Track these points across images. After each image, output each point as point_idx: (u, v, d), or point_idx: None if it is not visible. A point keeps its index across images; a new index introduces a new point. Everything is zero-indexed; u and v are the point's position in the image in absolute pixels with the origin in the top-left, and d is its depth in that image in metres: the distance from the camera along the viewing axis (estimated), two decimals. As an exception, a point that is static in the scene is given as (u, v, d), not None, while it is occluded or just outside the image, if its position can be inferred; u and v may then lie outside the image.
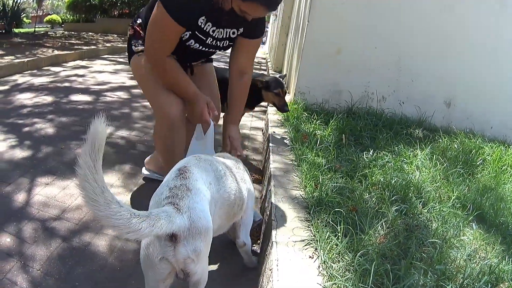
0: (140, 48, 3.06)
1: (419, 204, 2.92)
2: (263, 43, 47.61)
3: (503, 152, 4.41)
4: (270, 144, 3.92)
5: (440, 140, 4.43)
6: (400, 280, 1.98)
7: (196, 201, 1.78)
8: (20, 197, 3.27)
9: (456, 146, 4.26)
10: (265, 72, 10.10)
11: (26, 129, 4.69)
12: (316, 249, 2.25)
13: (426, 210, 2.85)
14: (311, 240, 2.33)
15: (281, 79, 4.08)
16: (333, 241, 2.28)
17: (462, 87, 5.54)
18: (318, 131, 4.33)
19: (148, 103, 6.11)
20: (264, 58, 16.97)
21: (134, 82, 7.68)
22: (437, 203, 2.96)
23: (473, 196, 3.15)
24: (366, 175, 3.24)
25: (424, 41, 5.38)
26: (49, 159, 3.99)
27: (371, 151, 3.80)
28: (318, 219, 2.52)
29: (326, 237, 2.30)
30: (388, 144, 4.10)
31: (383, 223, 2.52)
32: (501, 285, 2.11)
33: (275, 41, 11.67)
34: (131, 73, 8.94)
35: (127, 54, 3.26)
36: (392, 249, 2.28)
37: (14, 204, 3.18)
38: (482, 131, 5.28)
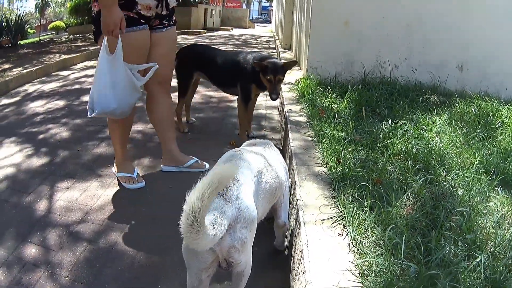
0: None
1: (443, 171, 2.88)
2: (269, 22, 47.42)
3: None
4: (288, 122, 3.89)
5: (457, 105, 4.36)
6: (432, 252, 1.96)
7: (243, 191, 1.80)
8: (42, 205, 3.27)
9: (473, 110, 4.19)
10: (274, 50, 10.04)
11: (41, 136, 4.69)
12: (344, 225, 2.23)
13: (450, 177, 2.80)
14: (338, 217, 2.31)
15: (280, 65, 3.92)
16: (361, 216, 2.26)
17: (474, 50, 5.44)
18: (335, 104, 4.29)
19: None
20: (272, 37, 16.90)
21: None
22: (460, 169, 2.91)
23: (495, 160, 3.10)
24: (387, 146, 3.20)
25: (432, 6, 5.28)
26: (67, 163, 4.00)
27: (390, 120, 3.76)
28: (343, 195, 2.50)
29: (353, 213, 2.28)
30: (405, 112, 4.05)
31: (409, 194, 2.49)
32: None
33: (281, 19, 11.56)
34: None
35: (93, 33, 3.21)
36: (420, 219, 2.25)
37: (37, 213, 3.18)
38: (497, 93, 5.16)
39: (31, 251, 2.73)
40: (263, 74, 3.87)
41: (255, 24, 36.28)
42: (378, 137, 3.40)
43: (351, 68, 5.37)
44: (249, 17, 36.52)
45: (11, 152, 4.24)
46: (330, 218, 2.31)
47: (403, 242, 1.96)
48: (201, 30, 19.64)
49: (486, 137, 3.59)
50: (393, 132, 3.51)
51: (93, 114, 2.98)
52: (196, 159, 3.78)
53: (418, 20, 5.33)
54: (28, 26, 17.34)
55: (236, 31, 22.70)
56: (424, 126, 3.66)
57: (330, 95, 4.57)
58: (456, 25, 5.31)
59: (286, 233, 2.71)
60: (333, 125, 3.61)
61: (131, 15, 3.02)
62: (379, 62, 5.37)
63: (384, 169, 2.81)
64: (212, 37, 16.23)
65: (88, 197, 3.38)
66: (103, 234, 2.92)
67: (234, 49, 4.97)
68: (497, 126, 3.89)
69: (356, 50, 5.38)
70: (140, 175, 3.61)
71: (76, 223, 3.04)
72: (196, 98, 5.76)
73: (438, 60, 5.41)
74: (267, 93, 4.00)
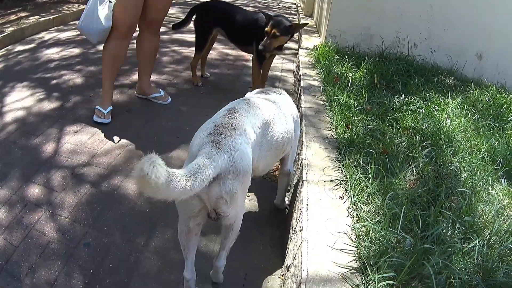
0: None
1: (449, 152, 2.85)
2: None
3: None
4: (301, 85, 3.84)
5: (472, 92, 4.30)
6: (429, 227, 1.95)
7: (239, 141, 1.73)
8: (49, 147, 3.31)
9: (487, 99, 4.14)
10: (295, 17, 9.94)
11: (54, 81, 4.61)
12: (346, 189, 2.23)
13: (456, 160, 2.78)
14: (341, 180, 2.30)
15: (284, 24, 3.84)
16: (364, 182, 2.25)
17: (495, 41, 5.33)
18: (350, 73, 4.22)
19: (177, 48, 6.13)
20: (294, 3, 16.71)
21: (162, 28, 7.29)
22: (467, 154, 2.88)
23: (503, 151, 3.06)
24: (397, 119, 3.18)
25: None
26: (78, 108, 4.00)
27: (403, 95, 3.71)
28: (349, 160, 2.48)
29: (356, 178, 2.27)
30: (419, 90, 3.99)
31: (413, 168, 2.47)
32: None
33: None
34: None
35: None
36: (422, 195, 2.24)
37: (43, 154, 3.21)
38: (514, 86, 5.14)
39: (34, 191, 2.78)
40: (265, 25, 3.86)
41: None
42: (390, 109, 3.37)
43: (370, 41, 5.27)
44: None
45: (22, 96, 4.19)
46: (333, 180, 2.30)
47: (402, 213, 1.95)
48: (225, -8, 19.21)
49: (497, 127, 3.53)
50: (405, 107, 3.47)
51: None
52: (161, 93, 4.23)
53: (442, 2, 5.21)
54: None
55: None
56: (436, 106, 3.62)
57: (346, 63, 4.51)
58: (481, 13, 5.19)
59: (287, 194, 2.70)
60: (346, 92, 3.57)
61: None
62: (398, 38, 5.26)
63: (392, 141, 2.80)
64: (235, -1, 16.04)
65: (95, 141, 3.43)
66: (107, 178, 2.97)
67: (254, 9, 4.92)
68: (509, 119, 3.85)
69: (376, 24, 5.26)
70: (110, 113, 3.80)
71: (81, 166, 3.09)
72: (213, 54, 5.72)
73: (457, 45, 5.30)
74: (284, 56, 3.96)
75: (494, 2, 5.16)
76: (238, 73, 5.36)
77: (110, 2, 3.38)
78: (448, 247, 1.84)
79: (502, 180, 2.69)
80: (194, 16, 4.52)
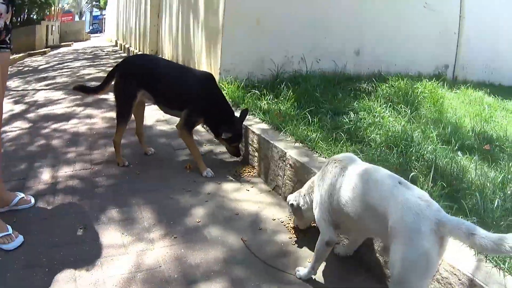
0: None
1: (424, 151, 3.12)
2: (101, 32, 43.51)
3: (431, 85, 5.10)
4: (255, 131, 3.73)
5: (379, 89, 4.78)
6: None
7: None
8: None
9: (393, 91, 4.67)
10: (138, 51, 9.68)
11: None
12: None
13: (429, 154, 3.08)
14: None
15: (242, 130, 3.81)
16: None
17: (369, 36, 6.16)
18: (281, 106, 4.24)
19: (55, 125, 5.09)
20: (115, 45, 16.16)
21: (17, 107, 5.99)
22: (427, 144, 3.27)
23: (448, 132, 3.59)
24: (368, 138, 3.39)
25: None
26: None
27: (352, 114, 3.91)
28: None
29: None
30: (347, 103, 4.29)
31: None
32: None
33: (139, 24, 11.11)
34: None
35: None
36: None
37: None
38: (387, 70, 5.87)
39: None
40: (226, 138, 3.73)
41: (91, 36, 35.77)
42: (350, 131, 3.51)
43: (262, 66, 5.45)
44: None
45: None
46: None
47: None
48: (46, 49, 17.46)
49: (418, 113, 4.07)
50: (358, 124, 3.68)
51: None
52: (22, 195, 3.12)
53: (321, 12, 5.76)
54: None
55: (77, 45, 20.85)
56: (376, 113, 3.95)
57: (264, 97, 4.54)
58: (352, 15, 6.02)
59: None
60: (304, 127, 3.59)
61: None
62: (287, 57, 5.58)
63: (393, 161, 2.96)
64: (59, 55, 14.65)
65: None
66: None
67: (179, 65, 4.23)
68: (419, 100, 4.46)
69: (267, 48, 5.50)
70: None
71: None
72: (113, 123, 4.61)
73: (337, 48, 5.94)
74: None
75: (362, 3, 6.00)
76: (152, 134, 4.76)
77: None
78: None
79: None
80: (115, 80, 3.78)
